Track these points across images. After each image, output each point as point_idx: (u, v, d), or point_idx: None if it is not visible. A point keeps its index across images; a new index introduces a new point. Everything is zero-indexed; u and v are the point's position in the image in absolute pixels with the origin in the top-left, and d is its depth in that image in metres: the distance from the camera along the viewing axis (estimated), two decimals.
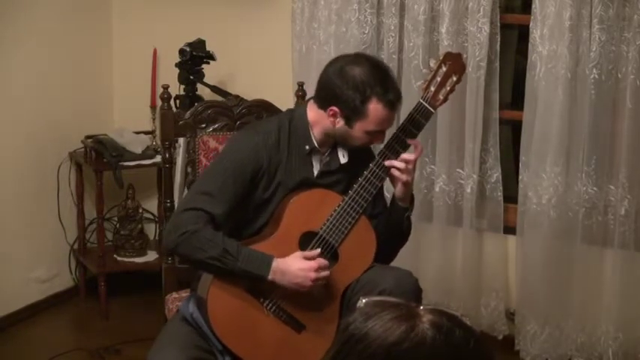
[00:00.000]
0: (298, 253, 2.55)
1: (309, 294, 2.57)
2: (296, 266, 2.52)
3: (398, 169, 2.62)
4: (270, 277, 2.51)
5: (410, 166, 2.63)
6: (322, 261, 2.55)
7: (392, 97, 2.55)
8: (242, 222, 2.66)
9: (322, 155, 2.69)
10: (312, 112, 2.66)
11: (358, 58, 2.63)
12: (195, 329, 2.58)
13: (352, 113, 2.56)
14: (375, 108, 2.54)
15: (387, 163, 2.62)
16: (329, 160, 2.69)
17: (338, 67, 2.58)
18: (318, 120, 2.64)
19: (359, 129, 2.58)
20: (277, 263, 2.51)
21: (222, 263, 2.49)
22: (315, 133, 2.66)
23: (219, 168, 2.62)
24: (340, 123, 2.59)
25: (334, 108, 2.57)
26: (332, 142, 2.68)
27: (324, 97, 2.61)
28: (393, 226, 2.73)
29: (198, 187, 2.64)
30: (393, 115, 2.62)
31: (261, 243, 2.59)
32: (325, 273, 2.55)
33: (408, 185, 2.66)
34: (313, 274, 2.52)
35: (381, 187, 2.70)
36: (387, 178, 2.68)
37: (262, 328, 2.58)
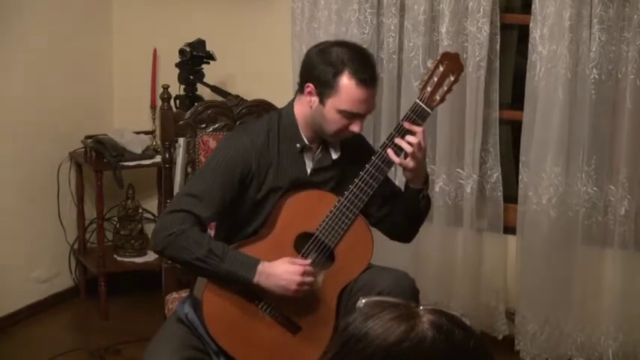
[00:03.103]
0: (286, 258, 2.53)
1: (304, 296, 2.56)
2: (282, 269, 2.50)
3: (405, 153, 2.57)
4: (255, 279, 2.48)
5: (413, 150, 2.56)
6: (309, 267, 2.53)
7: (365, 76, 2.51)
8: (237, 223, 2.66)
9: (314, 153, 2.68)
10: (297, 104, 2.65)
11: (341, 41, 2.67)
12: (190, 330, 2.58)
13: (324, 88, 2.53)
14: (346, 84, 2.50)
15: (397, 140, 2.57)
16: (321, 157, 2.68)
17: (320, 48, 2.60)
18: (302, 111, 2.62)
19: (331, 107, 2.53)
20: (263, 266, 2.49)
21: (207, 264, 2.48)
22: (303, 129, 2.64)
23: (207, 170, 2.61)
24: (315, 102, 2.56)
25: (309, 84, 2.56)
26: (320, 137, 2.66)
27: (302, 77, 2.61)
28: (410, 208, 2.71)
29: (186, 189, 2.63)
30: (367, 97, 2.54)
31: (256, 244, 2.59)
32: (310, 279, 2.53)
33: (414, 170, 2.61)
34: (299, 278, 2.49)
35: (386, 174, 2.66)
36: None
37: (257, 330, 2.57)
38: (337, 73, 2.51)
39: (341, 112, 2.53)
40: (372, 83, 2.55)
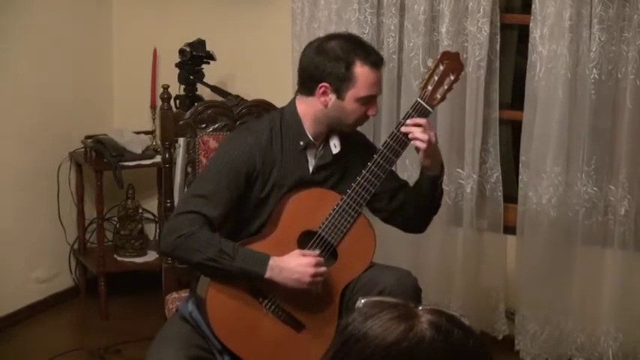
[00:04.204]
0: (296, 251, 2.55)
1: (308, 293, 2.57)
2: (294, 262, 2.51)
3: (417, 138, 2.58)
4: (267, 274, 2.50)
5: (421, 131, 2.57)
6: (320, 258, 2.55)
7: (375, 58, 2.60)
8: (240, 222, 2.67)
9: (317, 149, 2.69)
10: (301, 104, 2.66)
11: (330, 35, 2.72)
12: (194, 328, 2.59)
13: (341, 82, 2.57)
14: (361, 71, 2.56)
15: (403, 129, 2.59)
16: (323, 154, 2.69)
17: (314, 47, 2.63)
18: (309, 110, 2.64)
19: (351, 98, 2.58)
20: (274, 261, 2.51)
21: (219, 263, 2.49)
22: (308, 127, 2.66)
23: (212, 171, 2.62)
24: (332, 99, 2.59)
25: (323, 84, 2.58)
26: (325, 132, 2.68)
27: (310, 80, 2.62)
28: (424, 196, 2.73)
29: (193, 190, 2.64)
30: (380, 77, 2.63)
31: (260, 242, 2.60)
32: (323, 269, 2.54)
33: (427, 153, 2.61)
34: (312, 270, 2.51)
35: (391, 169, 2.67)
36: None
37: (261, 328, 2.58)
38: (350, 65, 2.56)
39: (360, 99, 2.59)
40: (382, 63, 2.64)
